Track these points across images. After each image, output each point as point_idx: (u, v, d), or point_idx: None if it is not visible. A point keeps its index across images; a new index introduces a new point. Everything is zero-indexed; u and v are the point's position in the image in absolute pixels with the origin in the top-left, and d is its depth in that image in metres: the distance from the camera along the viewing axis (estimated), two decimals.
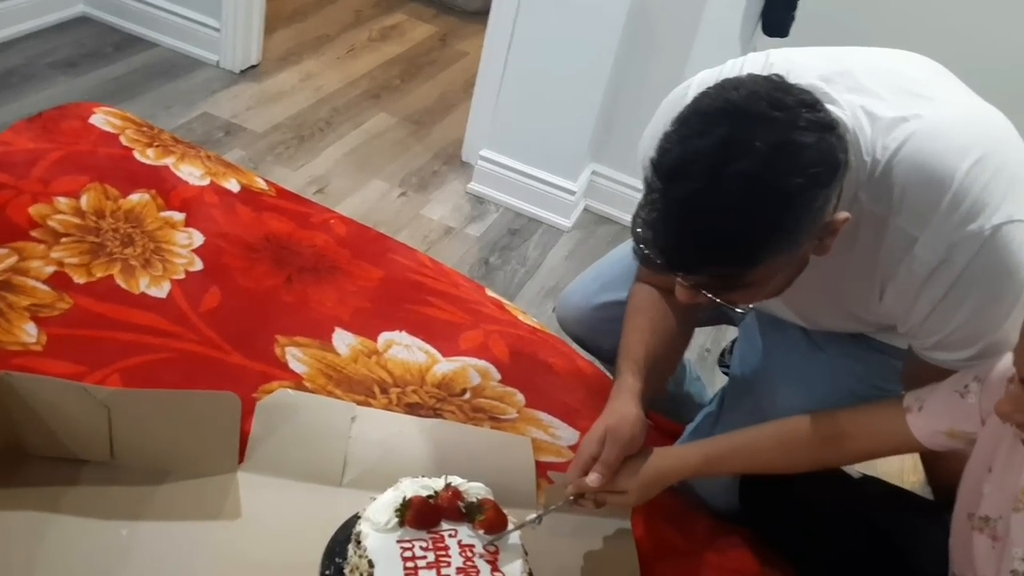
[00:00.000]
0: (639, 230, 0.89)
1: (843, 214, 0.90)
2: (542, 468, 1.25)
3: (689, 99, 0.92)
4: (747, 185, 0.81)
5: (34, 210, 1.41)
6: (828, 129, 0.85)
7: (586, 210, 2.60)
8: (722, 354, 1.87)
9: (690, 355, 1.72)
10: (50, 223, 1.40)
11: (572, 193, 2.46)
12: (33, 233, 1.38)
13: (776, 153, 0.81)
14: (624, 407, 1.10)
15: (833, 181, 0.86)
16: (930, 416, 0.99)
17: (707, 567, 1.20)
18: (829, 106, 0.90)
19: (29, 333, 1.21)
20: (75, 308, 1.28)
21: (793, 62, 1.00)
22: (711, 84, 0.92)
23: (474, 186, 2.54)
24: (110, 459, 1.09)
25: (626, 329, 1.20)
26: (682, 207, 0.84)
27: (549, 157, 2.44)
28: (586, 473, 1.07)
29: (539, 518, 1.06)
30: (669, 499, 1.23)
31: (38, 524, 1.01)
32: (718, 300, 0.94)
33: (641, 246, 0.90)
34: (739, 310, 1.04)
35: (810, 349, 1.23)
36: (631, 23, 2.23)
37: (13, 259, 1.32)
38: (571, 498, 1.09)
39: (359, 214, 2.20)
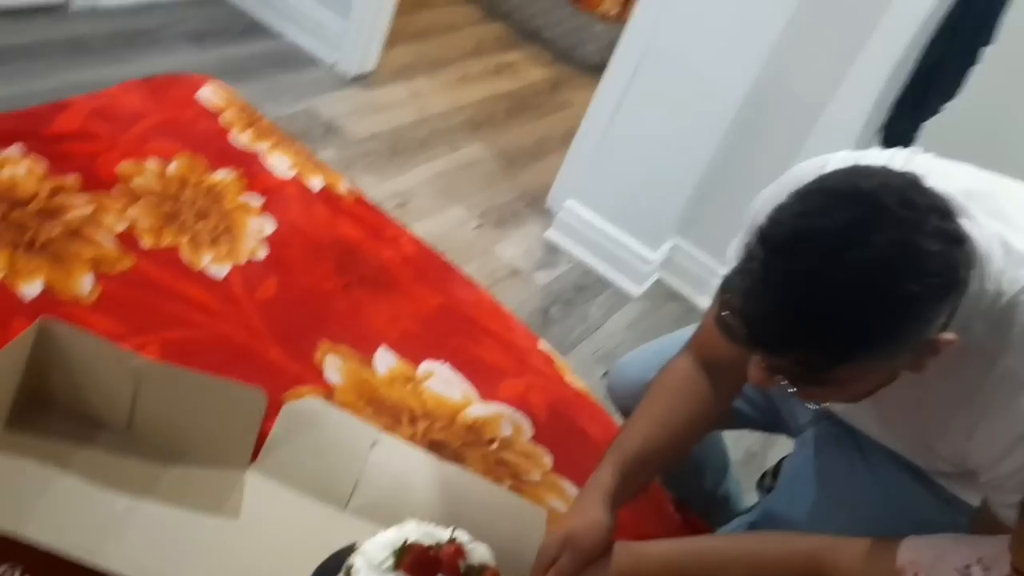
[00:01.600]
0: (728, 295, 0.83)
1: (950, 335, 0.82)
2: None
3: (826, 171, 0.86)
4: (857, 280, 0.75)
5: (122, 167, 1.43)
6: (955, 241, 0.79)
7: (659, 282, 2.54)
8: (762, 477, 1.76)
9: (735, 456, 1.63)
10: (134, 183, 1.42)
11: (648, 262, 2.41)
12: (116, 188, 1.40)
13: (895, 253, 0.76)
14: (591, 510, 1.04)
15: (948, 297, 0.79)
16: None
17: None
18: (964, 221, 0.84)
19: (84, 284, 1.22)
20: (135, 269, 1.29)
21: (937, 169, 0.94)
22: (849, 164, 0.86)
23: (552, 233, 2.51)
24: (127, 428, 1.07)
25: (636, 410, 1.14)
26: (783, 285, 0.78)
27: (633, 221, 2.40)
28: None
29: None
30: None
31: (44, 478, 1.00)
32: (791, 390, 0.87)
33: (726, 312, 0.84)
34: (809, 405, 0.96)
35: (870, 483, 1.13)
36: (748, 107, 2.18)
37: (90, 209, 1.34)
38: None
39: (432, 236, 2.19)
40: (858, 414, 1.10)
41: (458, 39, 3.35)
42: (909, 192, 0.79)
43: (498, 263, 2.35)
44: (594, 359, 2.14)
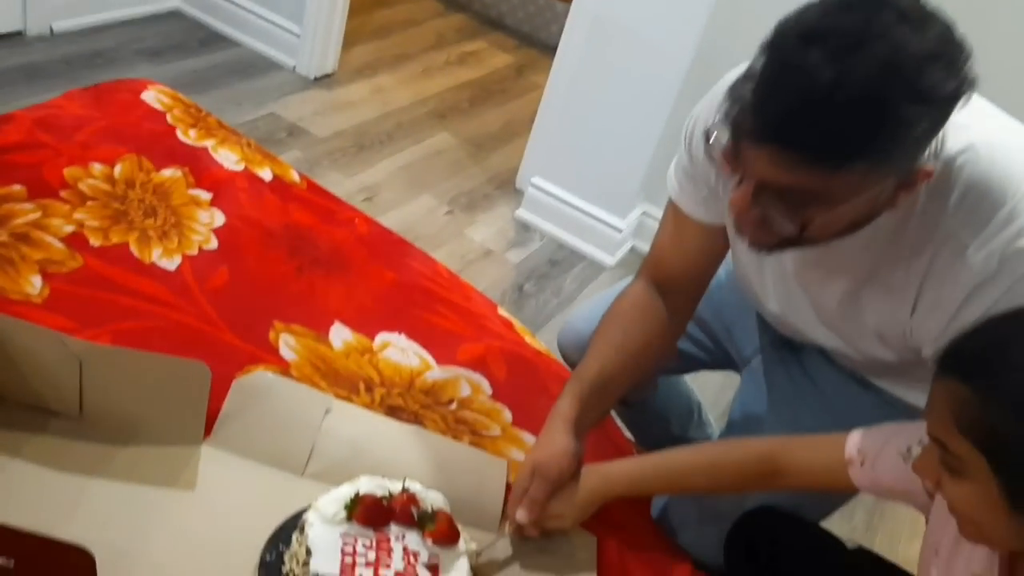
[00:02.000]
0: (733, 100, 0.82)
1: (930, 166, 0.83)
2: None
3: None
4: (878, 70, 0.76)
5: (68, 172, 1.45)
6: (966, 64, 0.79)
7: (632, 250, 2.54)
8: None
9: (715, 411, 1.63)
10: (80, 186, 1.44)
11: (619, 231, 2.42)
12: (62, 193, 1.41)
13: (919, 55, 0.76)
14: (555, 439, 1.07)
15: (950, 107, 0.80)
16: (874, 473, 0.94)
17: None
18: None
19: (33, 284, 1.24)
20: (84, 268, 1.30)
21: None
22: None
23: (522, 212, 2.52)
24: (79, 414, 1.09)
25: (592, 339, 1.15)
26: (804, 71, 0.77)
27: (600, 192, 2.41)
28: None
29: (481, 552, 1.04)
30: (651, 547, 1.17)
31: None
32: (774, 219, 0.85)
33: (734, 112, 0.82)
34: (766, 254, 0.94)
35: (816, 397, 1.15)
36: (698, 66, 2.19)
37: (37, 214, 1.36)
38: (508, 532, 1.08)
39: (402, 226, 2.21)
40: (803, 307, 1.09)
41: (419, 33, 3.37)
42: (918, 6, 0.80)
43: (470, 246, 2.37)
44: None
